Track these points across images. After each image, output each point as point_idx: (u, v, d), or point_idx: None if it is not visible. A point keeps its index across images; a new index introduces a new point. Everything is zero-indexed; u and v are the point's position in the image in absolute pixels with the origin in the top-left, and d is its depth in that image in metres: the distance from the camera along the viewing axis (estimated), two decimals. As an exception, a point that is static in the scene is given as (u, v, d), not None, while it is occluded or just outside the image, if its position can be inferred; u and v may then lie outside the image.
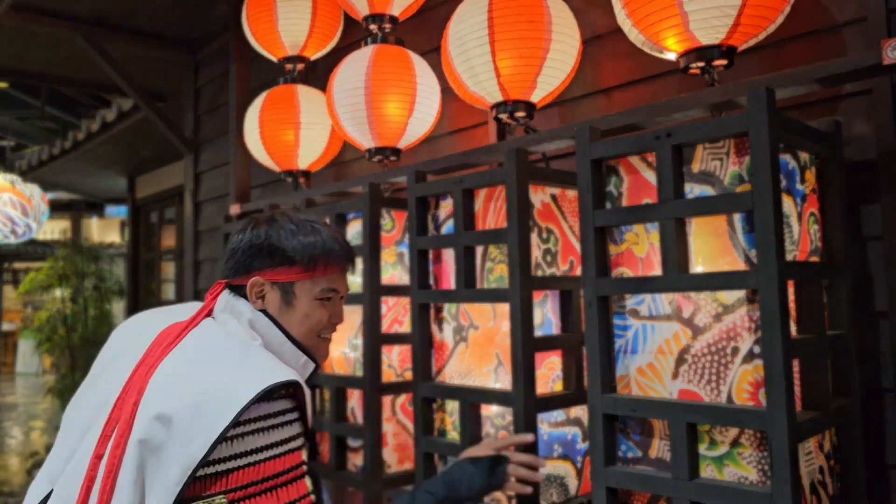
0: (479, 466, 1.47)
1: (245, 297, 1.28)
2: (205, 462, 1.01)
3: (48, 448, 6.79)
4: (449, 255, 1.88)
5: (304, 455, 1.10)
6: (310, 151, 2.69)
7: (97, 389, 1.20)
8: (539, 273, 1.71)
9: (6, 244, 6.41)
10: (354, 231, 2.27)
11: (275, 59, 2.78)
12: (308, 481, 1.09)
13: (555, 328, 1.78)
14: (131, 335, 1.27)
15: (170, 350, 1.14)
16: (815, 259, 1.47)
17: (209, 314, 1.27)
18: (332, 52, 2.81)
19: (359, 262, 2.22)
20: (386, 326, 2.18)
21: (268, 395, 1.06)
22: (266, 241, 1.27)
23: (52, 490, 1.11)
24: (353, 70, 2.21)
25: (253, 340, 1.22)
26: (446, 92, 2.36)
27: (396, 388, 2.11)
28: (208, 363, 1.12)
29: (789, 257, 1.36)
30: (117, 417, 1.08)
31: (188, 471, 1.00)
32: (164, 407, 1.04)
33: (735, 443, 1.34)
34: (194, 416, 1.02)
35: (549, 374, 1.78)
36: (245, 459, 1.04)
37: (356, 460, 2.18)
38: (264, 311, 1.27)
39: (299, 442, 1.10)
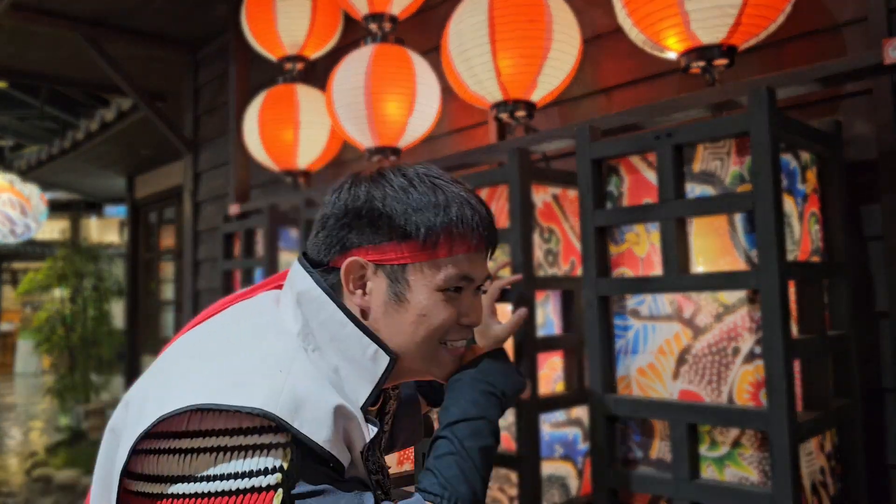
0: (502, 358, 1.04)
1: (339, 282, 0.90)
2: (142, 474, 0.79)
3: (47, 448, 6.79)
4: (449, 255, 1.87)
5: (275, 501, 0.77)
6: (309, 151, 2.69)
7: None
8: (541, 273, 1.71)
9: (5, 244, 6.41)
10: (354, 231, 2.27)
11: (274, 59, 2.78)
12: None
13: (556, 328, 1.78)
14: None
15: (181, 335, 0.93)
16: (815, 259, 1.47)
17: (279, 285, 0.98)
18: (332, 51, 2.81)
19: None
20: (386, 326, 2.17)
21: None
22: (367, 204, 0.88)
23: None
24: (353, 69, 2.21)
25: (294, 324, 0.90)
26: (446, 91, 2.36)
27: (396, 389, 2.11)
28: (190, 357, 0.88)
29: (790, 257, 1.36)
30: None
31: (116, 477, 0.79)
32: (132, 392, 0.85)
33: (736, 443, 1.34)
34: (137, 408, 0.81)
35: (551, 374, 1.77)
36: (191, 486, 0.77)
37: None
38: (361, 324, 0.89)
39: (270, 480, 0.77)
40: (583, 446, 1.81)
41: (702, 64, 1.54)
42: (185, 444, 0.78)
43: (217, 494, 0.76)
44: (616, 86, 2.11)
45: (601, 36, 2.13)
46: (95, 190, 9.09)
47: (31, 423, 8.83)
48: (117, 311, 7.70)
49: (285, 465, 0.78)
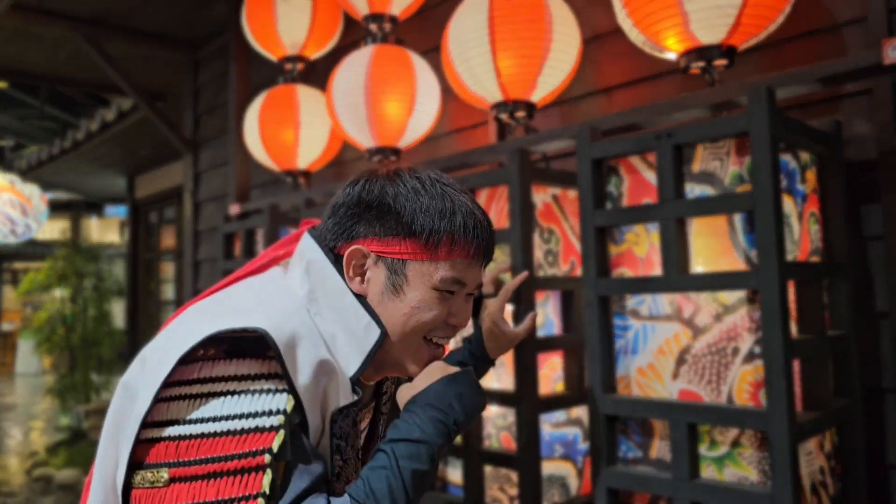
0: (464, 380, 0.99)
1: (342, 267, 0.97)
2: (150, 422, 0.83)
3: (47, 448, 6.79)
4: (449, 255, 1.87)
5: (275, 441, 0.81)
6: (309, 151, 2.69)
7: None
8: (541, 273, 1.71)
9: (5, 244, 6.41)
10: (354, 231, 2.27)
11: (274, 59, 2.78)
12: (266, 479, 0.79)
13: (556, 328, 1.78)
14: None
15: (198, 300, 0.98)
16: (815, 259, 1.47)
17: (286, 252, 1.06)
18: (332, 51, 2.81)
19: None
20: (386, 326, 2.17)
21: (236, 352, 0.85)
22: (378, 199, 0.95)
23: None
24: (353, 70, 2.21)
25: (300, 289, 0.96)
26: (446, 92, 2.36)
27: (396, 389, 2.11)
28: (205, 313, 0.91)
29: (790, 257, 1.36)
30: None
31: (135, 428, 0.82)
32: (148, 348, 0.90)
33: (735, 443, 1.34)
34: (156, 360, 0.85)
35: (551, 374, 1.77)
36: (196, 427, 0.81)
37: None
38: (360, 297, 0.96)
39: (273, 421, 0.82)
40: (583, 446, 1.81)
41: (702, 64, 1.54)
42: (195, 389, 0.83)
43: (221, 434, 0.81)
44: (616, 86, 2.11)
45: (601, 36, 2.14)
46: (95, 190, 9.09)
47: (31, 423, 8.83)
48: (117, 311, 7.70)
49: (288, 409, 0.83)
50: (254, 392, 0.83)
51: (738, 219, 1.36)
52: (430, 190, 0.95)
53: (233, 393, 0.83)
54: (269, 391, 0.83)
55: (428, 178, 0.97)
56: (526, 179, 1.65)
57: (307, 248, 0.99)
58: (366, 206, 0.96)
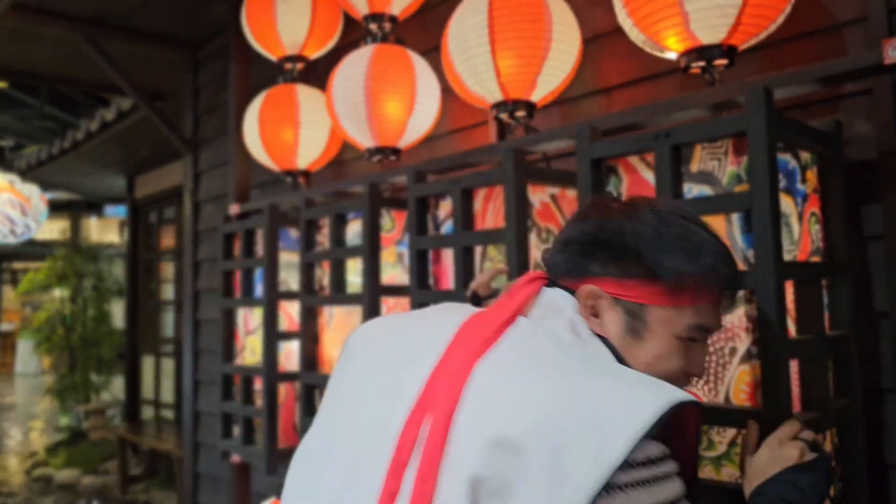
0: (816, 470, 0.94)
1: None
2: None
3: (47, 448, 6.78)
4: (448, 255, 1.87)
5: None
6: (309, 151, 2.69)
7: (352, 412, 0.88)
8: (538, 273, 1.71)
9: (5, 244, 6.41)
10: (354, 231, 2.27)
11: (274, 59, 2.78)
12: None
13: (554, 328, 1.78)
14: (381, 342, 0.94)
15: (482, 353, 0.82)
16: (816, 259, 1.47)
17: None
18: (332, 51, 2.81)
19: (358, 263, 2.22)
20: (385, 326, 2.17)
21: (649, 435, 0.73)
22: (616, 237, 0.89)
23: None
24: (353, 69, 2.21)
25: (582, 348, 0.86)
26: (446, 91, 2.36)
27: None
28: (559, 373, 0.78)
29: (790, 257, 1.36)
30: (412, 438, 0.77)
31: None
32: (506, 428, 0.72)
33: (733, 443, 1.34)
34: (562, 444, 0.70)
35: (549, 374, 1.77)
36: None
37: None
38: (605, 340, 0.89)
39: None
40: (582, 446, 1.81)
41: (702, 64, 1.54)
42: (622, 478, 0.71)
43: None
44: (616, 86, 2.11)
45: (601, 36, 2.13)
46: (95, 190, 9.09)
47: (31, 423, 8.83)
48: (117, 311, 7.70)
49: (684, 489, 0.77)
50: (665, 477, 0.74)
51: (735, 218, 1.35)
52: (672, 228, 0.88)
53: (654, 480, 0.73)
54: (672, 475, 0.75)
55: (668, 212, 0.90)
56: (521, 179, 1.65)
57: (566, 305, 0.90)
58: (602, 244, 0.90)
